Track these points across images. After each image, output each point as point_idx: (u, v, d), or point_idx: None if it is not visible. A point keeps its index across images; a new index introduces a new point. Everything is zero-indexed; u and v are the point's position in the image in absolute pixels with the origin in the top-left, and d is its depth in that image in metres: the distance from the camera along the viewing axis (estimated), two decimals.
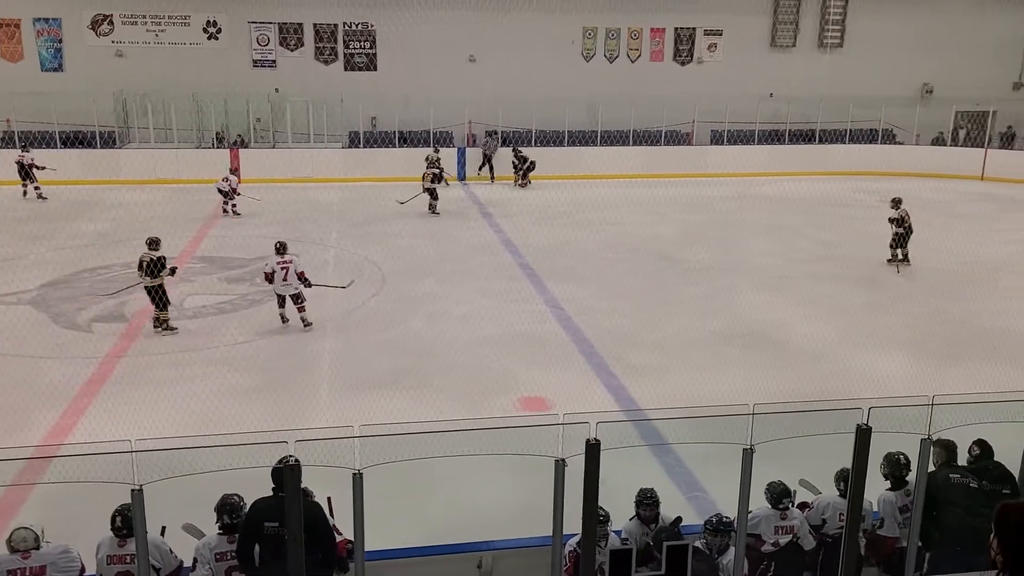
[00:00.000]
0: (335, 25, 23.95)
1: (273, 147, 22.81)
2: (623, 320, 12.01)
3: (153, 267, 10.72)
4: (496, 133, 23.25)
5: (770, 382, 9.78)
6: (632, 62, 25.49)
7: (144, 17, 22.95)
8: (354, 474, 4.23)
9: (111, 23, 22.90)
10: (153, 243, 10.98)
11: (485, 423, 4.72)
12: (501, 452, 4.53)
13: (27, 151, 19.74)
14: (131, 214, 14.70)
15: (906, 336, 11.40)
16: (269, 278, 11.12)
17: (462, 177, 22.64)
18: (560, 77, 24.24)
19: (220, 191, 18.17)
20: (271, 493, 4.91)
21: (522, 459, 4.71)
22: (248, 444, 3.80)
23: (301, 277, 11.13)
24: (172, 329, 11.06)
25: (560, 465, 4.42)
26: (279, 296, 11.21)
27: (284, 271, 11.06)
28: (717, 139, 25.00)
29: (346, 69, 24.22)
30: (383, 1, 22.88)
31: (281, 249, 11.26)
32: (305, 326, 11.22)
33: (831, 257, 15.60)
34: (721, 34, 25.69)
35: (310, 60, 24.05)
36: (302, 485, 4.95)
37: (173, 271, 11.16)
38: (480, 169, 22.77)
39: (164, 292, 10.92)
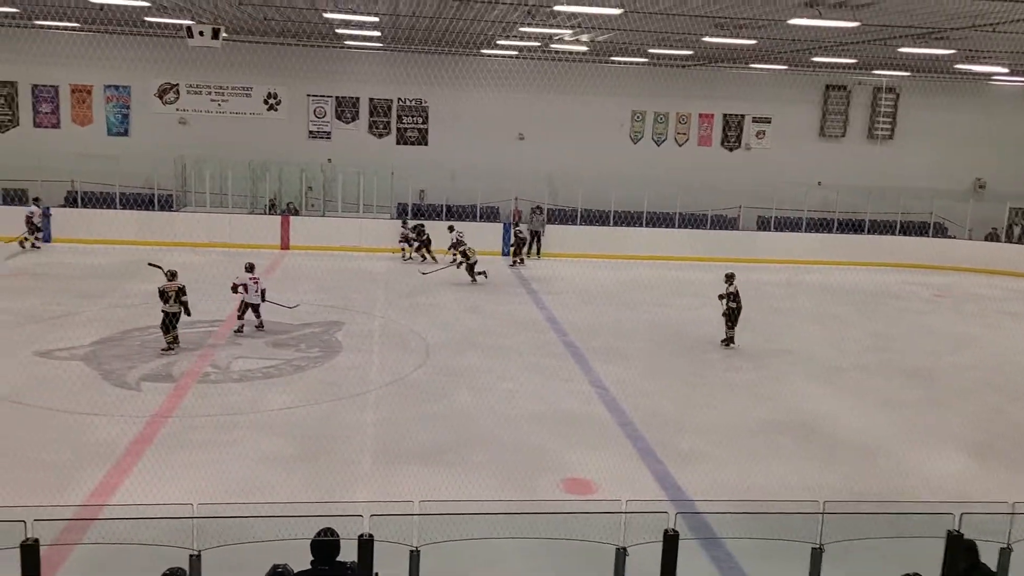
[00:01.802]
0: (390, 100, 24.66)
1: (323, 215, 23.25)
2: (669, 404, 11.80)
3: (182, 292, 12.83)
4: (541, 209, 23.47)
5: (823, 476, 9.47)
6: (679, 146, 25.77)
7: (208, 87, 23.85)
8: (411, 551, 4.10)
9: (177, 92, 23.82)
10: (174, 274, 12.96)
11: (543, 506, 4.58)
12: (561, 537, 4.39)
13: (38, 206, 20.46)
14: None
15: (965, 435, 11.00)
16: (237, 289, 13.75)
17: (506, 253, 22.80)
18: (607, 158, 24.58)
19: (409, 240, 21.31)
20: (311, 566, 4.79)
21: (565, 543, 4.56)
22: (319, 516, 3.71)
23: (263, 294, 13.94)
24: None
25: (621, 554, 4.25)
26: (246, 305, 13.81)
27: (256, 284, 13.82)
28: (764, 225, 24.94)
29: (398, 143, 24.83)
30: (437, 80, 23.54)
31: (251, 268, 14.03)
32: (261, 328, 14.02)
33: (883, 349, 15.26)
34: (770, 122, 25.91)
35: (364, 133, 24.71)
36: (341, 559, 4.84)
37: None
38: (530, 247, 22.89)
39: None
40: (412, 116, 24.87)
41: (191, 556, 3.99)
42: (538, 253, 22.97)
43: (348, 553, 4.86)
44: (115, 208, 21.81)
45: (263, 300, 14.00)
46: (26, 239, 20.01)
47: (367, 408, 11.09)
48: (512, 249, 22.06)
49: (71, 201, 22.41)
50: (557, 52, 21.25)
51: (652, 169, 24.56)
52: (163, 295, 12.77)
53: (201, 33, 14.74)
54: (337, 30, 19.21)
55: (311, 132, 24.51)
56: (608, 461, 9.62)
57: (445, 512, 4.41)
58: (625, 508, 4.22)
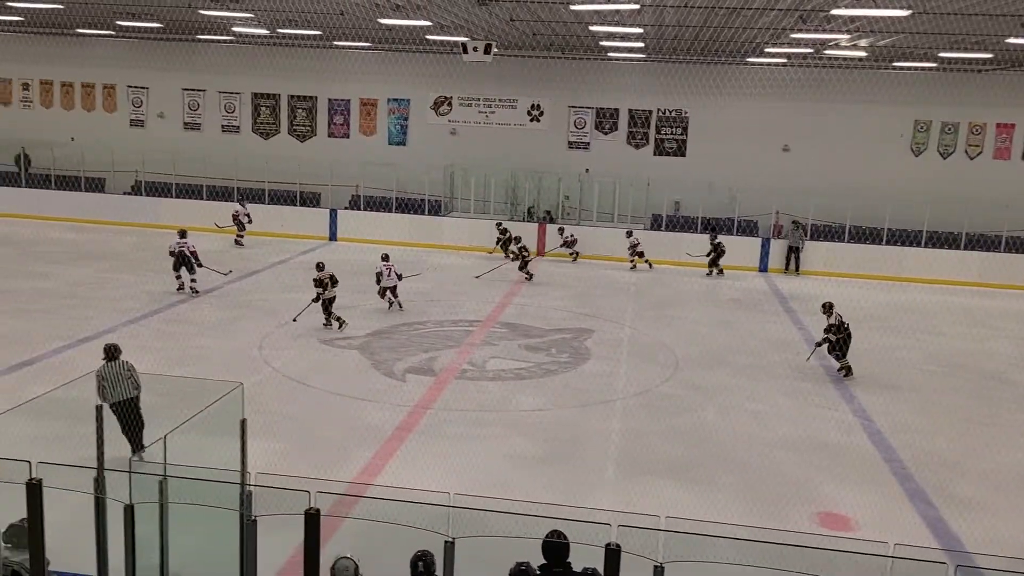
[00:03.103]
0: (650, 111, 24.61)
1: (578, 224, 23.68)
2: (945, 443, 10.65)
3: (335, 281, 14.47)
4: (800, 224, 22.22)
5: None
6: (971, 159, 23.24)
7: (478, 100, 25.26)
8: (655, 566, 4.02)
9: (450, 104, 25.48)
10: (322, 265, 14.68)
11: (797, 537, 4.29)
12: (815, 574, 4.08)
13: (243, 205, 22.44)
14: (447, 277, 15.96)
15: None
16: (379, 278, 15.68)
17: (764, 269, 21.85)
18: (883, 171, 22.80)
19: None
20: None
21: None
22: (566, 519, 3.76)
23: (399, 276, 15.84)
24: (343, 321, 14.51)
25: None
26: (384, 288, 15.75)
27: (388, 271, 15.74)
28: None
29: (655, 154, 24.71)
30: (699, 89, 23.13)
31: (386, 258, 15.98)
32: (396, 305, 15.82)
33: None
34: None
35: (622, 144, 24.86)
36: (570, 563, 4.85)
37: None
38: (788, 263, 21.83)
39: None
40: (671, 126, 24.65)
41: (446, 542, 4.18)
42: (796, 270, 21.79)
43: (585, 559, 4.87)
44: (391, 212, 23.76)
45: (400, 279, 15.88)
46: (239, 236, 22.17)
47: (613, 416, 11.12)
48: (711, 259, 20.97)
49: (354, 204, 24.71)
50: (830, 58, 20.05)
51: (936, 184, 22.38)
52: (320, 283, 14.41)
53: (475, 49, 15.65)
54: (601, 42, 19.51)
55: (570, 143, 25.11)
56: (870, 498, 8.88)
57: (691, 532, 4.27)
58: (892, 552, 3.83)
